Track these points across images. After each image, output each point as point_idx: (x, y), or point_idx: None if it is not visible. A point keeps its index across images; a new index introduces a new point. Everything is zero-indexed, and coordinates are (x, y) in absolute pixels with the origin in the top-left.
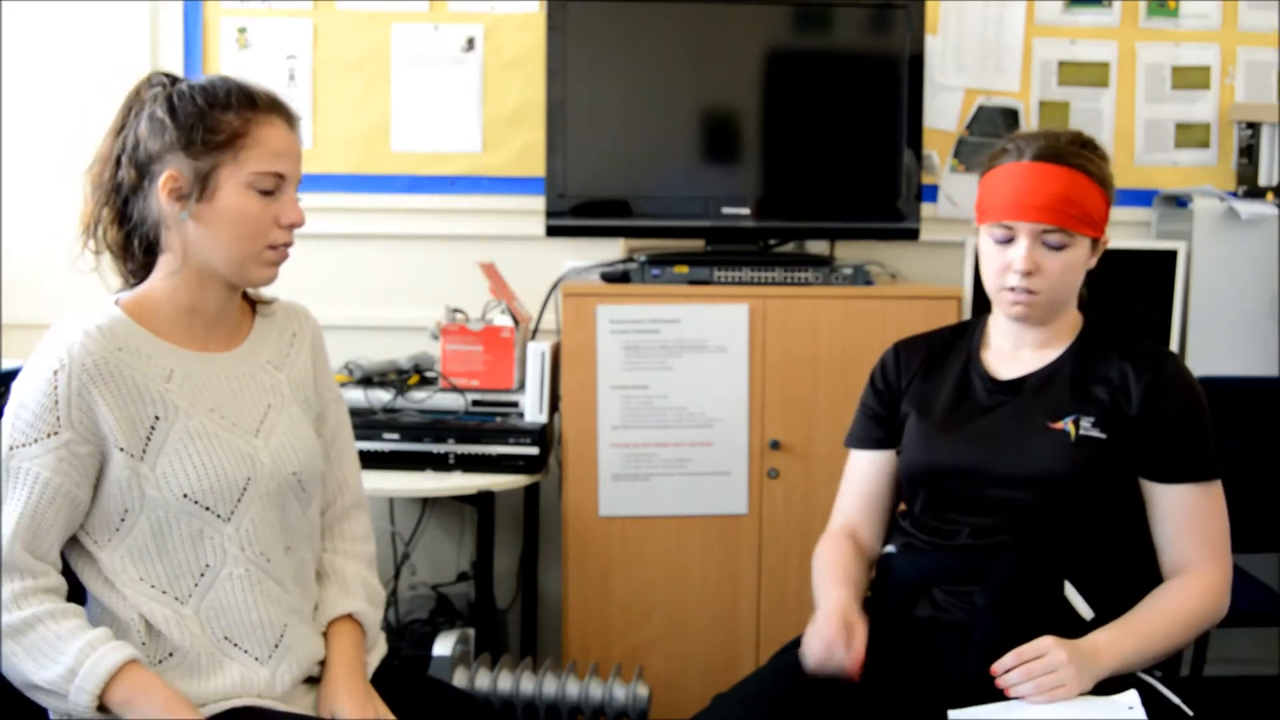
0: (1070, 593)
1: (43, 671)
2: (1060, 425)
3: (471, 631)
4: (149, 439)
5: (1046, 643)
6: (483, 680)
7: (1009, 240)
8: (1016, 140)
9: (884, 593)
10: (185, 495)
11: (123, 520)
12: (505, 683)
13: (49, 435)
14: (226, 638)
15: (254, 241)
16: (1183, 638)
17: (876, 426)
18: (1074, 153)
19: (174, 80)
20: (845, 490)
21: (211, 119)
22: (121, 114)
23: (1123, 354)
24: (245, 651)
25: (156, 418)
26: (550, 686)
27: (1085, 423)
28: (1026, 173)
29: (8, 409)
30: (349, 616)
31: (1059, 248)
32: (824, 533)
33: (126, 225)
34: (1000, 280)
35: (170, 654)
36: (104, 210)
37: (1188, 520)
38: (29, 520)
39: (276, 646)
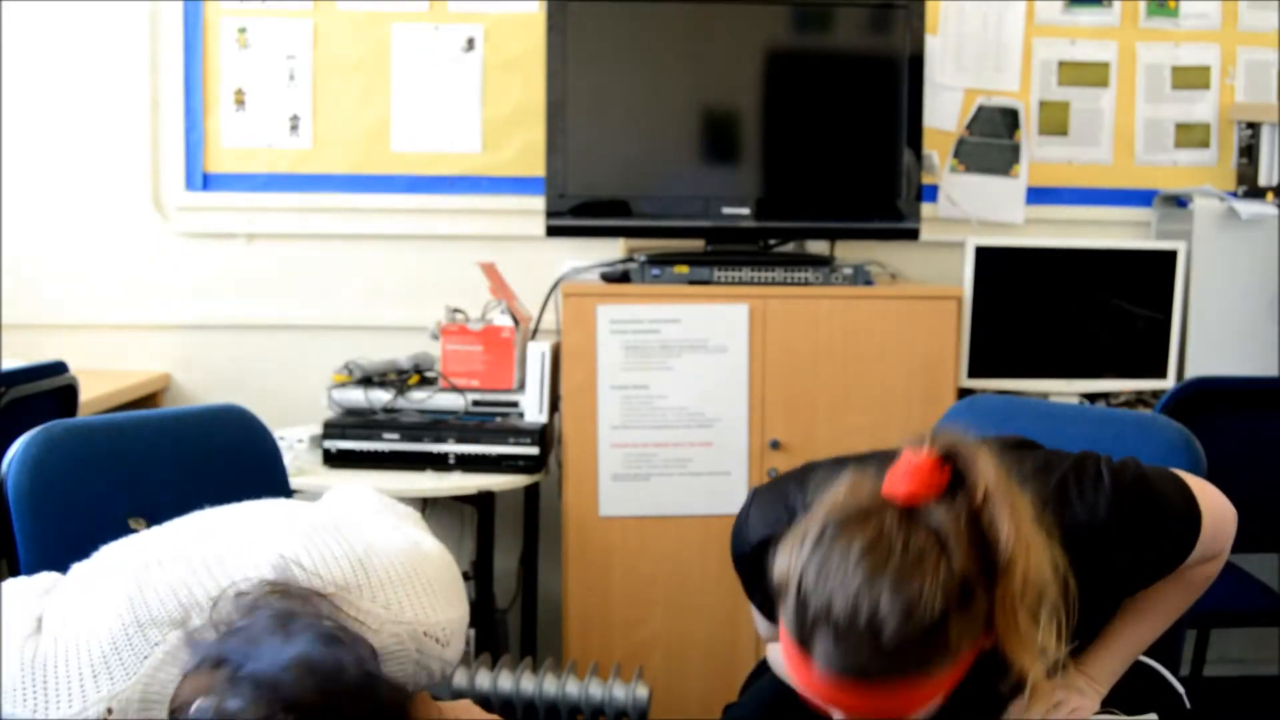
0: None
1: None
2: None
3: (471, 631)
4: None
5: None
6: (483, 680)
7: None
8: (811, 599)
9: None
10: None
11: None
12: (505, 682)
13: None
14: None
15: None
16: (1173, 620)
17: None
18: (899, 662)
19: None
20: (762, 630)
21: None
22: None
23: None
24: None
25: None
26: (550, 686)
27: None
28: (823, 686)
29: None
30: None
31: None
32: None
33: None
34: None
35: None
36: None
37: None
38: None
39: None
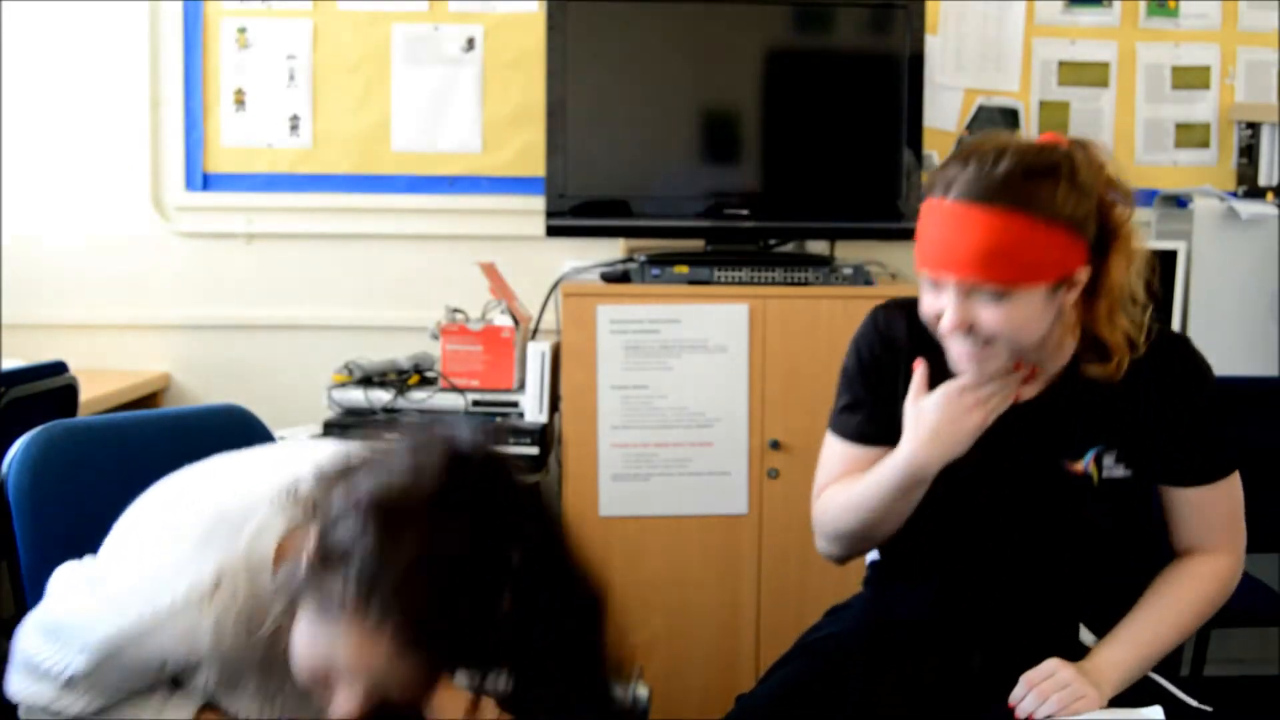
0: (1083, 633)
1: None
2: (1080, 466)
3: None
4: None
5: (1052, 664)
6: None
7: (940, 286)
8: (949, 167)
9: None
10: None
11: None
12: None
13: None
14: None
15: None
16: (1188, 630)
17: (869, 419)
18: (1010, 190)
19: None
20: (832, 472)
21: None
22: None
23: (1129, 349)
24: None
25: None
26: None
27: (1108, 460)
28: (948, 217)
29: None
30: None
31: (998, 298)
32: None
33: None
34: (938, 329)
35: None
36: None
37: (1207, 514)
38: None
39: None
